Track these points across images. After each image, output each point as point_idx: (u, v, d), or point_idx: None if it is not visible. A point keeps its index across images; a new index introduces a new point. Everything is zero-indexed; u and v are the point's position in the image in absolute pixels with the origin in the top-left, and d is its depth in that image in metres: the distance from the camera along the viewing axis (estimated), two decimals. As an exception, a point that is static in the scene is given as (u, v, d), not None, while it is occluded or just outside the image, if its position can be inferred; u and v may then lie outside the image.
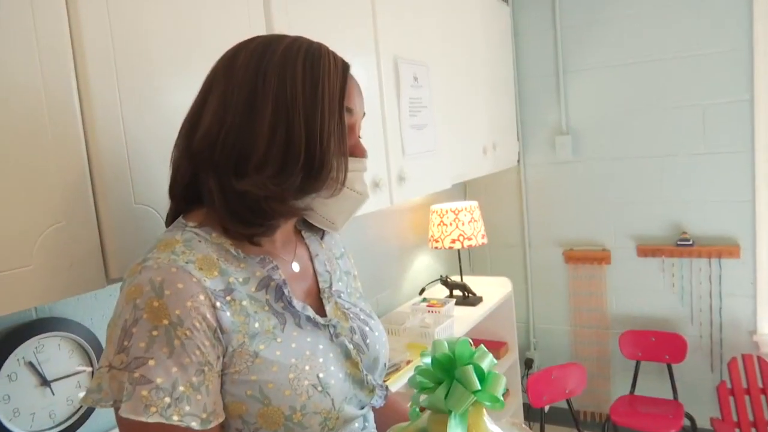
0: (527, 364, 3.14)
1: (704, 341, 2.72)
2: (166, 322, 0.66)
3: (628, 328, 2.85)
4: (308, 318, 0.81)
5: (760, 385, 2.44)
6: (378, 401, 0.88)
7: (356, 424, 0.84)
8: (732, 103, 2.53)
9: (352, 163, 0.80)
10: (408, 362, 1.88)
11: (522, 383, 2.85)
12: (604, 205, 2.87)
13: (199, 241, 0.76)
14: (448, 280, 2.58)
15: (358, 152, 0.83)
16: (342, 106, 0.78)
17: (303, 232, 0.95)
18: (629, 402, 2.72)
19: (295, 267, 0.88)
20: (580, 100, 2.86)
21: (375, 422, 0.93)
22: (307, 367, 0.76)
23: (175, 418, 0.65)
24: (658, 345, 2.74)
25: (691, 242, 2.65)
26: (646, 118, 2.71)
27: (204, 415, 0.68)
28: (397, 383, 1.76)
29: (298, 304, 0.80)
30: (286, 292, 0.80)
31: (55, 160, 0.83)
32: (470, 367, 0.66)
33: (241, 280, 0.77)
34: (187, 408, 0.66)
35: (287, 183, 0.75)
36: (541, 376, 2.52)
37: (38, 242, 0.81)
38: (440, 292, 2.64)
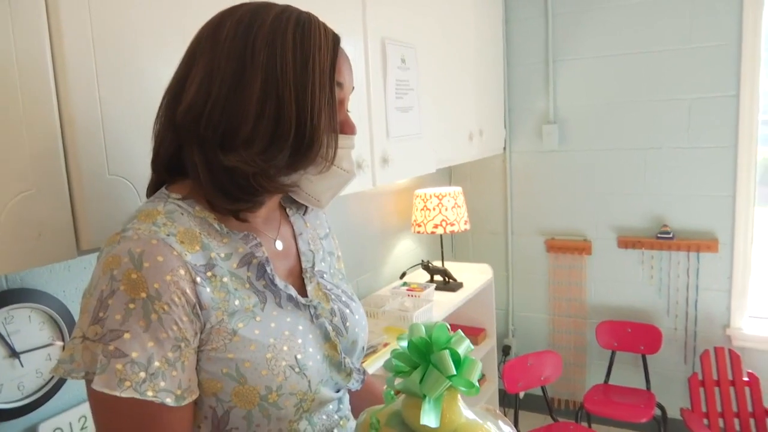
0: (505, 350, 3.16)
1: (679, 333, 2.76)
2: (143, 295, 0.65)
3: (606, 318, 2.88)
4: (289, 297, 0.79)
5: (730, 377, 2.49)
6: (355, 385, 0.87)
7: (331, 407, 0.83)
8: (718, 99, 2.54)
9: (341, 140, 0.79)
10: (385, 345, 1.87)
11: (499, 369, 2.87)
12: (588, 195, 2.88)
13: (182, 214, 0.74)
14: (430, 265, 2.57)
15: (347, 128, 0.81)
16: (333, 81, 0.75)
17: (288, 210, 0.93)
18: (603, 391, 2.76)
19: (279, 245, 0.86)
20: (569, 89, 2.86)
21: (350, 405, 0.92)
22: (285, 348, 0.74)
23: (150, 393, 0.64)
24: (634, 336, 2.77)
25: (671, 235, 2.68)
26: (633, 110, 2.72)
27: (178, 392, 0.67)
28: (374, 365, 1.76)
29: (280, 282, 0.79)
30: (268, 269, 0.78)
31: (26, 126, 0.80)
32: (446, 352, 0.65)
33: (222, 255, 0.75)
34: (162, 384, 0.65)
35: (276, 159, 0.73)
36: (517, 363, 2.54)
37: (6, 209, 0.78)
38: (421, 276, 2.64)
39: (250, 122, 0.71)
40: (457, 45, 2.36)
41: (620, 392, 2.75)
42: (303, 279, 0.86)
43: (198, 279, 0.69)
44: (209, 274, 0.72)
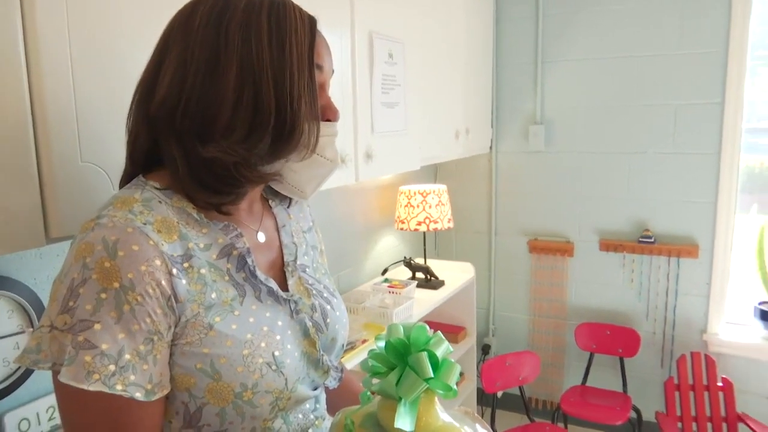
0: (484, 349, 3.17)
1: (657, 337, 2.79)
2: (116, 285, 0.62)
3: (585, 320, 2.90)
4: (270, 291, 0.77)
5: (705, 382, 2.51)
6: (332, 383, 0.85)
7: (307, 405, 0.81)
8: (703, 105, 2.55)
9: (323, 127, 0.77)
10: (364, 341, 1.86)
11: (477, 368, 2.87)
12: (572, 197, 2.89)
13: (160, 202, 0.71)
14: (412, 262, 2.56)
15: (330, 113, 0.79)
16: (312, 64, 0.73)
17: (270, 202, 0.90)
18: (580, 392, 2.77)
19: (261, 237, 0.84)
20: (557, 91, 2.85)
21: (327, 403, 0.90)
22: (263, 344, 0.72)
23: (119, 387, 0.62)
24: (613, 338, 2.79)
25: (652, 240, 2.69)
26: (620, 114, 2.73)
27: (149, 386, 0.64)
28: (352, 362, 1.74)
29: (261, 275, 0.77)
30: (249, 261, 0.76)
31: (-6, 107, 0.77)
32: (424, 354, 0.64)
33: (201, 246, 0.72)
34: (132, 377, 0.63)
35: (257, 147, 0.71)
36: (496, 363, 2.54)
37: (-30, 194, 0.75)
38: (403, 273, 2.63)
39: (227, 111, 0.69)
40: (447, 42, 2.34)
41: (597, 394, 2.77)
42: (285, 272, 0.84)
43: (174, 270, 0.67)
44: (186, 265, 0.69)
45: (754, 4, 2.42)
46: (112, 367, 0.61)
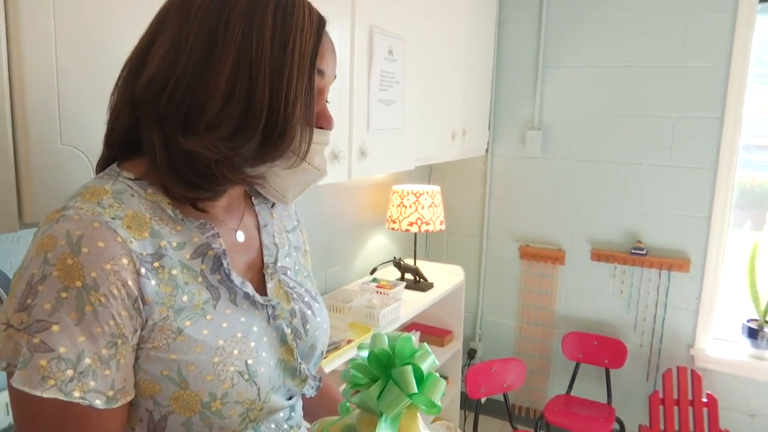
0: (470, 354, 3.14)
1: (644, 350, 2.77)
2: (78, 284, 0.58)
3: (573, 329, 2.88)
4: (246, 295, 0.73)
5: (690, 397, 2.50)
6: (309, 391, 0.81)
7: (281, 414, 0.77)
8: (702, 119, 2.54)
9: (316, 135, 0.72)
10: (349, 342, 1.82)
11: (462, 373, 2.85)
12: (565, 205, 2.86)
13: (132, 196, 0.66)
14: (401, 262, 2.53)
15: (324, 121, 0.75)
16: (313, 67, 0.69)
17: (253, 199, 0.86)
18: (564, 402, 2.75)
19: (240, 236, 0.79)
20: (556, 97, 2.83)
21: (304, 410, 0.86)
22: (235, 352, 0.68)
23: (77, 394, 0.57)
24: (600, 349, 2.77)
25: (644, 252, 2.67)
26: (618, 123, 2.70)
27: (111, 393, 0.60)
28: (335, 362, 1.71)
29: (237, 278, 0.72)
30: (225, 263, 0.71)
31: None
32: (408, 368, 0.60)
33: (174, 244, 0.68)
34: (92, 384, 0.59)
35: (243, 148, 0.66)
36: (481, 368, 2.51)
37: (-62, 174, 0.71)
38: (392, 274, 2.59)
39: (217, 103, 0.64)
40: (448, 41, 2.31)
41: (581, 404, 2.75)
42: (264, 275, 0.80)
43: (143, 270, 0.63)
44: (156, 264, 0.65)
45: (759, 19, 2.40)
46: (69, 372, 0.58)
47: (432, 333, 2.70)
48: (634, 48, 2.63)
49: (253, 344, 0.71)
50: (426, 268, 2.64)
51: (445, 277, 2.66)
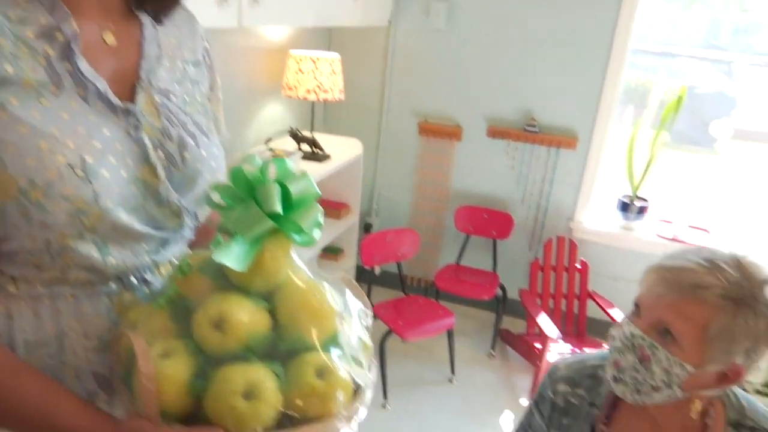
0: (366, 228, 3.19)
1: (529, 222, 2.93)
2: None
3: (466, 203, 2.97)
4: (100, 95, 0.65)
5: (566, 263, 2.71)
6: (186, 232, 0.75)
7: (144, 245, 0.70)
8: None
9: None
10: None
11: (358, 246, 2.89)
12: (466, 81, 2.84)
13: None
14: (298, 133, 2.44)
15: None
16: None
17: (141, 16, 0.73)
18: (454, 270, 2.90)
19: (110, 38, 0.69)
20: (462, -37, 2.70)
21: None
22: (70, 143, 0.60)
23: None
24: (489, 221, 2.90)
25: (537, 129, 2.75)
26: (524, 1, 2.65)
27: None
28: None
29: (88, 70, 0.64)
30: (75, 49, 0.62)
31: None
32: (274, 185, 0.55)
33: (13, 17, 0.59)
34: None
35: None
36: (377, 238, 2.55)
37: None
38: (288, 144, 2.50)
39: None
40: None
41: (469, 272, 2.91)
42: (135, 90, 0.70)
43: None
44: None
45: None
46: None
47: (328, 206, 2.69)
48: None
49: (98, 146, 0.63)
50: (323, 139, 2.57)
51: (342, 149, 2.60)
